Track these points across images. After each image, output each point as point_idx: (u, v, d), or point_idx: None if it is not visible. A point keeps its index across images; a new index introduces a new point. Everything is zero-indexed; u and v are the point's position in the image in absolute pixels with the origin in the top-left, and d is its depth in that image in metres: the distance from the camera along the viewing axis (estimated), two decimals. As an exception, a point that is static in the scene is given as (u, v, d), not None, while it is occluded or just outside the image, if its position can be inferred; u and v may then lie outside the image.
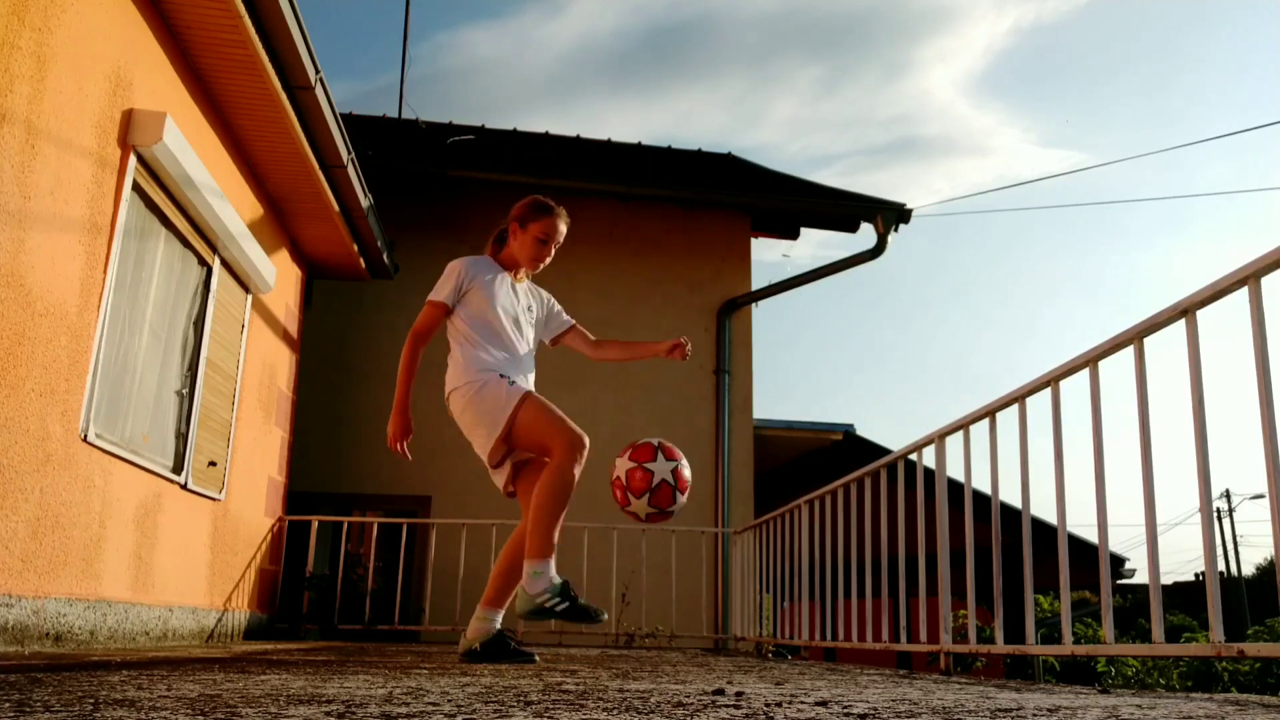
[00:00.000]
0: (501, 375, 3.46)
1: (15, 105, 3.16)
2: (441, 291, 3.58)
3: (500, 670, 2.87)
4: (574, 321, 3.94)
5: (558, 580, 3.30)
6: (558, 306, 3.93)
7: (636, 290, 8.74)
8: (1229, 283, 2.33)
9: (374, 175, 6.96)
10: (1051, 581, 3.33)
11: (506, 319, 3.58)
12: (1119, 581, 16.96)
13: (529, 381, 3.62)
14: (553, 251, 3.71)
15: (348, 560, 6.78)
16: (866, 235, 8.85)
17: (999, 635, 3.66)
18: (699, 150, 9.43)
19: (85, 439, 3.77)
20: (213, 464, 5.34)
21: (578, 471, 3.37)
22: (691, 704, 1.71)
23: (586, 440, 3.38)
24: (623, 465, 3.54)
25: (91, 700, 1.56)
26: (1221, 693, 5.56)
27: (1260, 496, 32.34)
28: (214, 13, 4.17)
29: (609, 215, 8.86)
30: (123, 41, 3.90)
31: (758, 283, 8.98)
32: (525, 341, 3.67)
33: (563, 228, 3.68)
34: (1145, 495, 2.63)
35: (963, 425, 3.70)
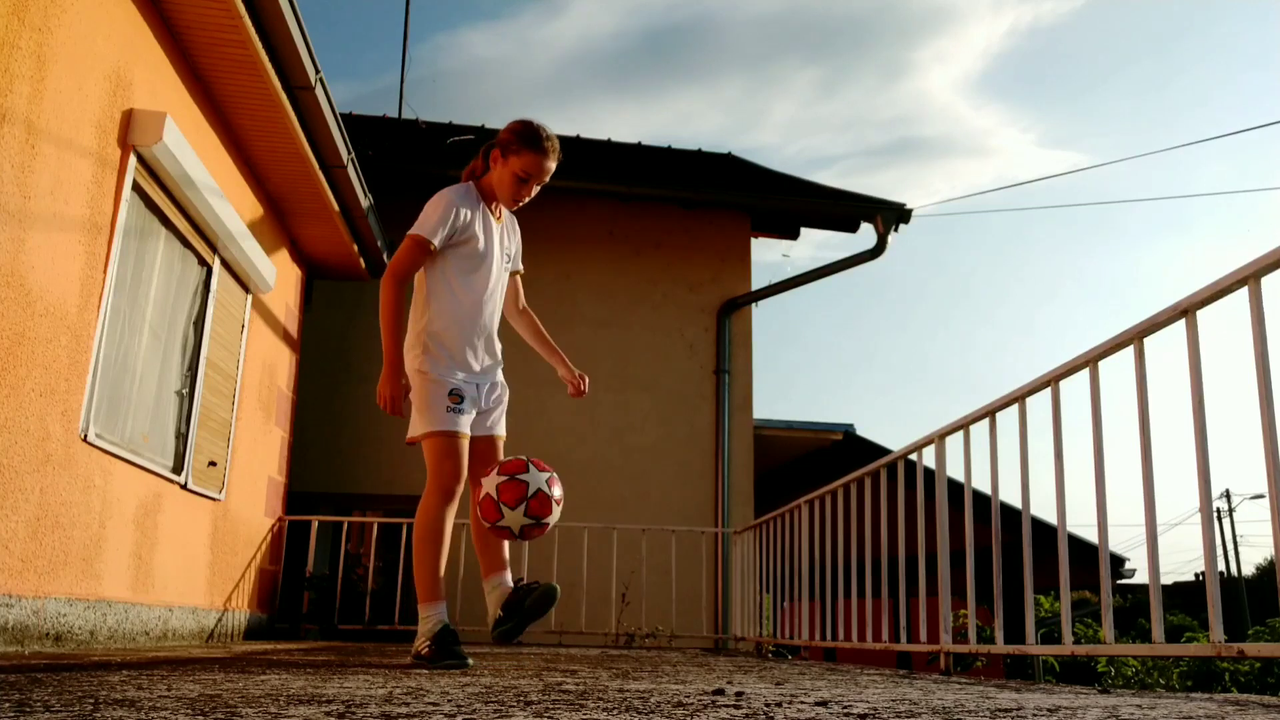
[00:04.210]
0: (451, 390, 3.17)
1: (15, 105, 3.16)
2: (429, 227, 3.17)
3: (500, 670, 2.87)
4: (520, 270, 3.53)
5: (442, 623, 3.11)
6: (519, 246, 3.54)
7: (636, 290, 8.74)
8: (1229, 283, 2.33)
9: (374, 175, 6.96)
10: (1051, 581, 3.34)
11: (489, 274, 3.28)
12: (1119, 581, 16.96)
13: (479, 355, 3.28)
14: (534, 191, 3.28)
15: (348, 560, 6.78)
16: (866, 235, 8.86)
17: (999, 635, 3.66)
18: (699, 150, 9.43)
19: (85, 439, 3.77)
20: (213, 464, 5.34)
21: (446, 516, 3.17)
22: (691, 704, 1.71)
23: (458, 490, 3.17)
24: (491, 482, 3.12)
25: (91, 700, 1.56)
26: (1221, 693, 5.56)
27: (1260, 496, 32.35)
28: (214, 13, 4.16)
29: (609, 215, 8.86)
30: (123, 41, 3.90)
31: (758, 283, 9.00)
32: (497, 295, 3.35)
33: (551, 167, 3.25)
34: (1145, 495, 2.63)
35: (963, 425, 3.70)
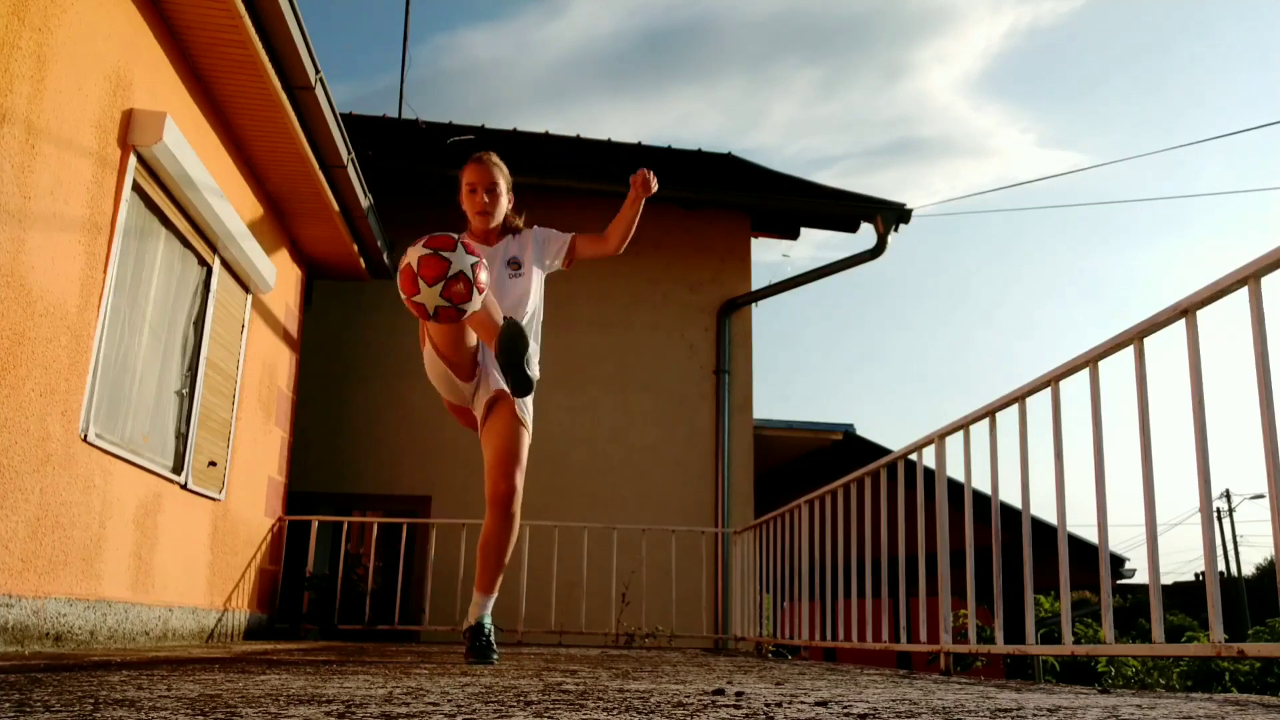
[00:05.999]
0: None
1: (15, 105, 3.16)
2: None
3: (500, 670, 2.87)
4: (573, 235, 3.85)
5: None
6: (554, 233, 3.84)
7: (636, 290, 8.74)
8: (1229, 283, 2.32)
9: (374, 175, 6.96)
10: (1051, 581, 3.34)
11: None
12: (1119, 581, 16.97)
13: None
14: (485, 199, 3.63)
15: (348, 560, 6.78)
16: (866, 235, 8.86)
17: (999, 635, 3.66)
18: (699, 150, 9.43)
19: (85, 439, 3.77)
20: (213, 464, 5.34)
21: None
22: (691, 704, 1.71)
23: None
24: (415, 252, 3.02)
25: (91, 700, 1.56)
26: (1221, 693, 5.56)
27: (1260, 496, 32.34)
28: (214, 13, 4.17)
29: (609, 216, 8.84)
30: (123, 41, 3.90)
31: (758, 283, 9.00)
32: (515, 302, 3.63)
33: (487, 170, 3.63)
34: (1145, 495, 2.63)
35: (963, 425, 3.70)
